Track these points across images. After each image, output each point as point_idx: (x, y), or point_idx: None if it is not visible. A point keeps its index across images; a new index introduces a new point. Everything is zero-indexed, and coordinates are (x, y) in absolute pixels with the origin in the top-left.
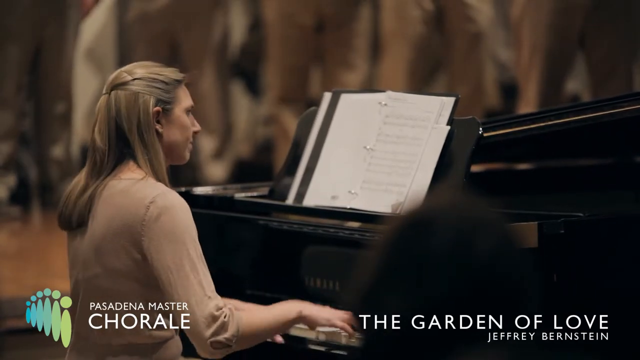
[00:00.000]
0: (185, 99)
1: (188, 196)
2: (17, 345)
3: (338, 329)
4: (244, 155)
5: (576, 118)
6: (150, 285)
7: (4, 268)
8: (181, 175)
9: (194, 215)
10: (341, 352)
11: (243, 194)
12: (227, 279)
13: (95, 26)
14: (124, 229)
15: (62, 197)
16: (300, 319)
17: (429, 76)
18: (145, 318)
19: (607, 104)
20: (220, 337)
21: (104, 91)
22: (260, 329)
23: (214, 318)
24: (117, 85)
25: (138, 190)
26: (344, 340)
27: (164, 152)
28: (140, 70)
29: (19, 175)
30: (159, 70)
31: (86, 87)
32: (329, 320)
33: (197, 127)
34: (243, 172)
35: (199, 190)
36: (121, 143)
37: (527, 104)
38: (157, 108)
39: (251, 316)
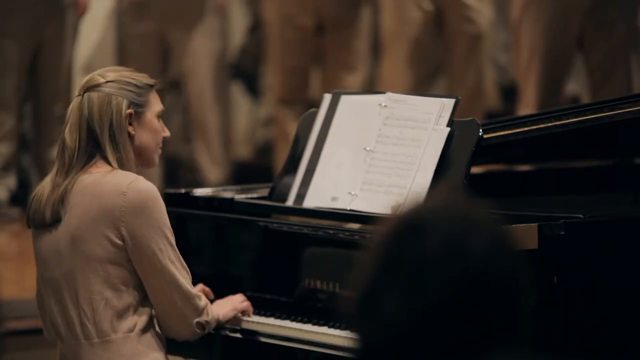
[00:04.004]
0: (156, 104)
1: (188, 198)
2: (18, 347)
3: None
4: (244, 156)
5: (576, 120)
6: (130, 271)
7: (5, 269)
8: (181, 177)
9: (194, 216)
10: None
11: (243, 196)
12: (227, 280)
13: (94, 35)
14: (101, 217)
15: (30, 197)
16: (218, 322)
17: (429, 77)
18: (125, 309)
19: (607, 105)
20: (203, 319)
21: (76, 93)
22: (214, 325)
23: (199, 298)
24: (90, 88)
25: (111, 179)
26: (339, 342)
27: (135, 155)
28: (112, 74)
29: (19, 177)
30: (132, 75)
31: None
32: (235, 309)
33: (167, 133)
34: (243, 174)
35: (199, 191)
36: (91, 143)
37: (527, 106)
38: (130, 110)
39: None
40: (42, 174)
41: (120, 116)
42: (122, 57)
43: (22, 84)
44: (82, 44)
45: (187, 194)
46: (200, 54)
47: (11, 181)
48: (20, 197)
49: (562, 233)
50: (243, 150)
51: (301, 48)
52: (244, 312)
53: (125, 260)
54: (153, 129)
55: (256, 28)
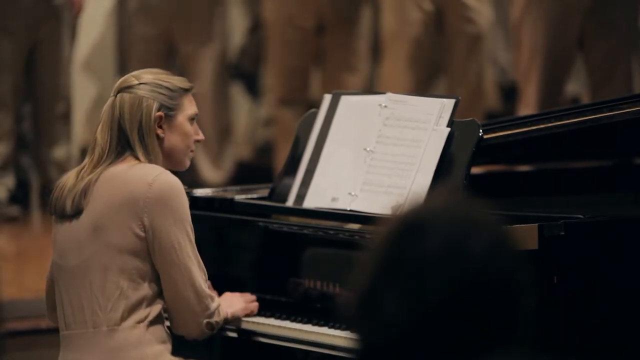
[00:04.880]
0: (189, 107)
1: (188, 198)
2: (18, 347)
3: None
4: (244, 157)
5: (576, 120)
6: (146, 263)
7: (5, 270)
8: (181, 177)
9: (194, 217)
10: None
11: (243, 196)
12: (227, 280)
13: (94, 34)
14: (125, 206)
15: (56, 184)
16: (226, 320)
17: (429, 78)
18: (139, 301)
19: (607, 105)
20: (213, 320)
21: (111, 94)
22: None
23: (212, 299)
24: (123, 89)
25: (138, 171)
26: (339, 342)
27: (164, 156)
28: (147, 76)
29: (18, 177)
30: (166, 78)
31: (85, 90)
32: (245, 309)
33: (201, 136)
34: (243, 174)
35: (199, 192)
36: (122, 143)
37: (527, 106)
38: (160, 113)
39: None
40: (42, 174)
41: (150, 118)
42: (123, 57)
43: (19, 83)
44: (82, 43)
45: (187, 195)
46: (204, 55)
47: (9, 181)
48: (19, 197)
49: (562, 233)
50: (243, 151)
51: (301, 48)
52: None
53: (144, 253)
54: (184, 132)
55: (256, 28)
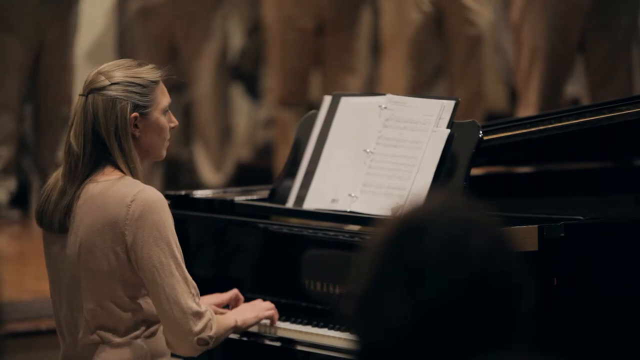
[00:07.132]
0: (162, 100)
1: (188, 200)
2: (18, 349)
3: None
4: (244, 158)
5: (576, 121)
6: (135, 285)
7: (5, 271)
8: (181, 179)
9: (194, 218)
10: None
11: (243, 197)
12: (226, 282)
13: (94, 35)
14: (107, 229)
15: (41, 196)
16: (237, 328)
17: (429, 79)
18: (131, 320)
19: (607, 107)
20: (205, 335)
21: (80, 92)
22: (223, 335)
23: (200, 315)
24: (94, 90)
25: (118, 190)
26: (340, 344)
27: (142, 153)
28: (117, 74)
29: (19, 179)
30: (137, 72)
31: None
32: (257, 317)
33: (174, 123)
34: (243, 176)
35: (199, 193)
36: (98, 147)
37: (527, 107)
38: (135, 114)
39: (218, 321)
40: (43, 176)
41: (125, 121)
42: (124, 56)
43: (24, 85)
44: (82, 45)
45: (187, 196)
46: (204, 56)
47: (11, 183)
48: (20, 199)
49: (562, 235)
50: (243, 152)
51: (301, 50)
52: (270, 321)
53: (133, 274)
54: (159, 127)
55: (256, 30)
